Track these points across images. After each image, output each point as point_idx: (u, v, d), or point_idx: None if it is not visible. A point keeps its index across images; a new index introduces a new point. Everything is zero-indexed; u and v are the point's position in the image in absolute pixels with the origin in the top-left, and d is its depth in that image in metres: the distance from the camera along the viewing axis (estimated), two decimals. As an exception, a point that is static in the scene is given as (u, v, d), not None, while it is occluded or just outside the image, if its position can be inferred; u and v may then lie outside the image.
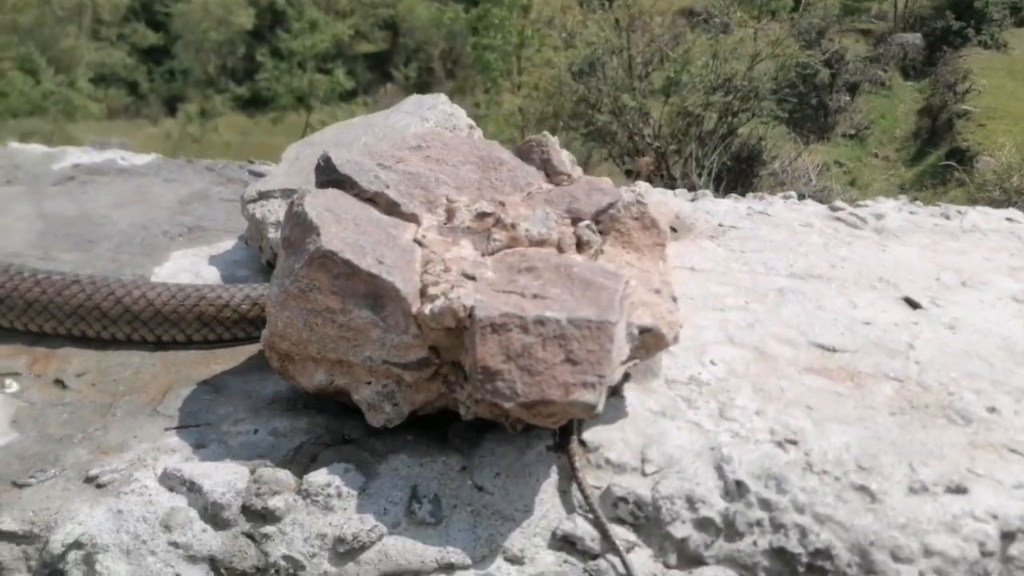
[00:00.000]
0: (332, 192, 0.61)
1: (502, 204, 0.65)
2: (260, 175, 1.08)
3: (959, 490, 0.63)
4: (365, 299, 0.57)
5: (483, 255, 0.62)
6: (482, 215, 0.64)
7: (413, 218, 0.63)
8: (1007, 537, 0.61)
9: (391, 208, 0.63)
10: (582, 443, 0.64)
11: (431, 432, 0.64)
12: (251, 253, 0.86)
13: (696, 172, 9.79)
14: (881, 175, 12.43)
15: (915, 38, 14.15)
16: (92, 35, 18.29)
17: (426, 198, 0.64)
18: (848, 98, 13.33)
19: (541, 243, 0.63)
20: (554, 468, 0.62)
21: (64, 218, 0.92)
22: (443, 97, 0.87)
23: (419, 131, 0.79)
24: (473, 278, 0.59)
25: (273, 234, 0.78)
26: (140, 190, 1.00)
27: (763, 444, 0.66)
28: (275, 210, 0.79)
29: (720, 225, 1.06)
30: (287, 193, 0.80)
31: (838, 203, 1.18)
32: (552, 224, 0.64)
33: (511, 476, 0.61)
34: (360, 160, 0.64)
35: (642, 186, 1.18)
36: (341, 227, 0.58)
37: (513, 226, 0.63)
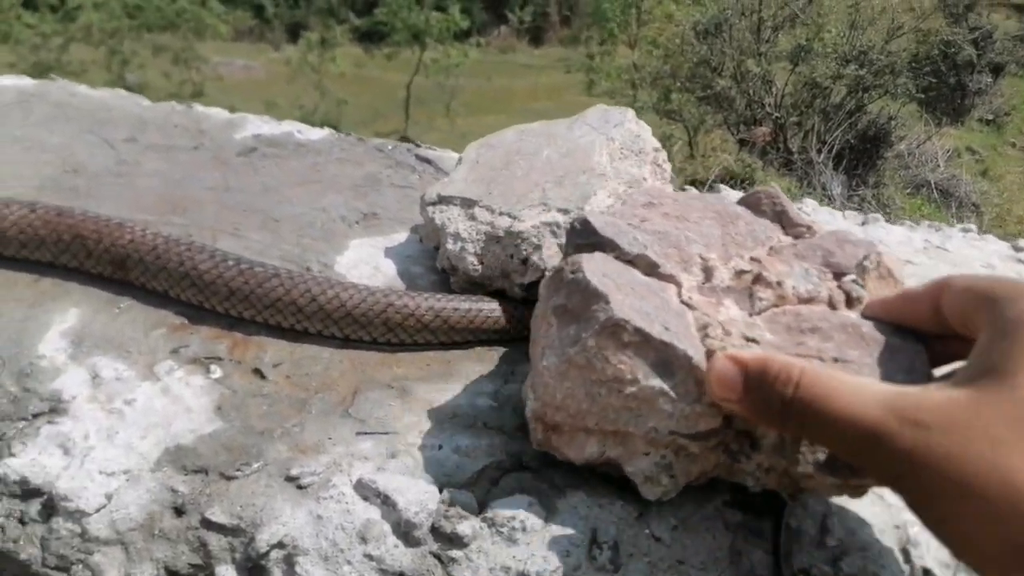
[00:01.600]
0: (601, 257, 0.60)
1: (757, 260, 0.63)
2: (427, 160, 1.09)
3: None
4: (654, 368, 0.55)
5: (750, 315, 0.60)
6: (740, 272, 0.62)
7: (672, 279, 0.61)
8: None
9: (650, 270, 0.61)
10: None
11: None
12: (423, 249, 0.88)
13: (816, 148, 9.34)
14: (1016, 167, 11.52)
15: (1079, 19, 12.87)
16: (225, -43, 18.82)
17: (680, 257, 0.62)
18: (990, 79, 12.30)
19: (809, 300, 0.61)
20: (727, 525, 0.62)
21: (249, 192, 0.95)
22: (630, 114, 0.85)
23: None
24: (756, 341, 0.57)
25: (452, 245, 0.79)
26: (316, 168, 1.03)
27: (948, 526, 0.63)
28: (455, 218, 0.80)
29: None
30: (467, 202, 0.80)
31: (1021, 242, 1.10)
32: (816, 280, 0.61)
33: (687, 530, 0.61)
34: (618, 222, 0.63)
35: (809, 204, 1.13)
36: (623, 294, 0.56)
37: (779, 284, 0.60)
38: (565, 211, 0.75)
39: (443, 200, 0.83)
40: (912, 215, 8.59)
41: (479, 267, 0.77)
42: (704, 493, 0.63)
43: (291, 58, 17.36)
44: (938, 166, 9.89)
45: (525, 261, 0.75)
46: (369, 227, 0.92)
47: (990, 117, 12.33)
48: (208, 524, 0.58)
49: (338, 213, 0.93)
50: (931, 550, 0.61)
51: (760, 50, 9.19)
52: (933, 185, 9.39)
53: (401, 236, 0.91)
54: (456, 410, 0.69)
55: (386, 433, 0.66)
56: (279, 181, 0.99)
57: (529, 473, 0.64)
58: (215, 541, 0.58)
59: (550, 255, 0.74)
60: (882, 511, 0.64)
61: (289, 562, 0.58)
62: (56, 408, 0.64)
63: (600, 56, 16.15)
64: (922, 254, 1.03)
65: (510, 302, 0.77)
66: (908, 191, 9.37)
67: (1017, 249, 1.09)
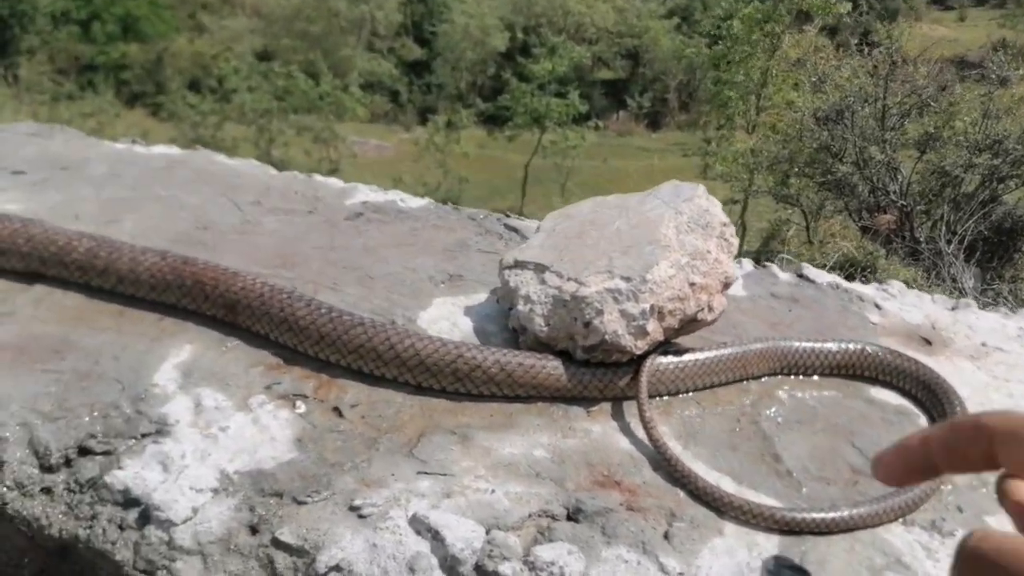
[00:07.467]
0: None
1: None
2: (514, 229, 1.17)
3: None
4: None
5: None
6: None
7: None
8: None
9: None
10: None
11: (655, 528, 0.66)
12: (500, 309, 0.94)
13: (945, 238, 8.89)
14: None
15: None
16: (367, 46, 20.50)
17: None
18: None
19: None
20: (772, 592, 0.62)
21: (351, 252, 1.05)
22: (701, 190, 0.89)
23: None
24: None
25: (522, 307, 0.84)
26: (413, 232, 1.12)
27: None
28: (527, 282, 0.85)
29: (983, 345, 0.98)
30: (539, 267, 0.86)
31: None
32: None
33: (731, 591, 0.62)
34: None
35: (896, 285, 1.12)
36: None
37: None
38: (627, 279, 0.79)
39: (518, 264, 0.88)
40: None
41: (545, 328, 0.82)
42: (747, 552, 0.64)
43: (419, 139, 18.44)
44: (1088, 262, 9.15)
45: (588, 324, 0.79)
46: (453, 287, 0.99)
47: None
48: (277, 543, 0.64)
49: (426, 273, 1.01)
50: None
51: (884, 137, 8.95)
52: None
53: (481, 297, 0.97)
54: (512, 459, 0.73)
55: (444, 474, 0.70)
56: (378, 243, 1.08)
57: (576, 524, 0.67)
58: (281, 560, 0.64)
59: (611, 319, 0.78)
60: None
61: (344, 584, 0.62)
62: (162, 430, 0.73)
63: (718, 140, 16.18)
64: (1015, 341, 0.99)
65: (572, 362, 0.81)
66: (1051, 287, 8.70)
67: None
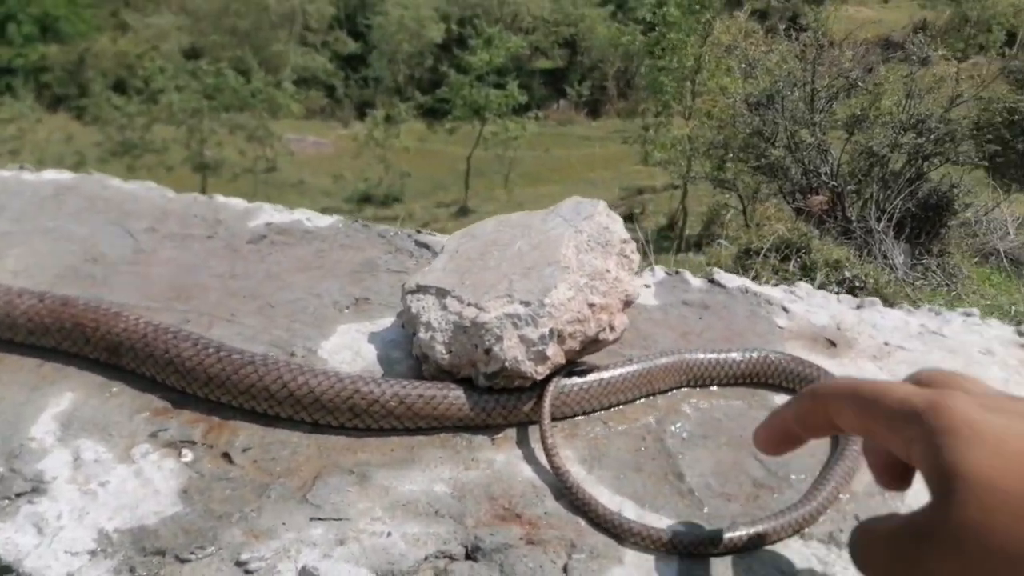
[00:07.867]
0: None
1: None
2: (425, 246, 1.14)
3: None
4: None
5: None
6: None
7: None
8: None
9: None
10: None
11: (554, 562, 0.65)
12: (405, 335, 0.91)
13: (875, 216, 9.17)
14: (1096, 234, 11.00)
15: None
16: (300, 41, 20.08)
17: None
18: (1063, 145, 11.92)
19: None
20: (671, 622, 0.61)
21: (252, 279, 1.01)
22: (602, 206, 0.88)
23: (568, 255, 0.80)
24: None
25: (423, 334, 0.82)
26: (319, 254, 1.08)
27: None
28: (429, 307, 0.83)
29: (886, 344, 1.00)
30: (441, 292, 0.84)
31: (1027, 328, 1.07)
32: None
33: (626, 625, 0.61)
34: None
35: (803, 287, 1.13)
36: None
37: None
38: (526, 303, 0.78)
39: (420, 289, 0.86)
40: (981, 284, 8.26)
41: (447, 356, 0.80)
42: (645, 589, 0.63)
43: (358, 134, 18.18)
44: (1008, 234, 9.57)
45: (488, 351, 0.78)
46: (359, 312, 0.96)
47: (1065, 183, 11.90)
48: (159, 606, 0.61)
49: (331, 299, 0.98)
50: None
51: (814, 120, 9.17)
52: (1002, 253, 9.07)
53: (387, 321, 0.95)
54: (411, 496, 0.71)
55: (339, 519, 0.68)
56: (282, 267, 1.05)
57: (475, 563, 0.65)
58: (163, 623, 0.61)
59: (511, 346, 0.77)
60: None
61: (229, 647, 0.60)
62: (37, 488, 0.69)
63: (655, 127, 16.39)
64: (916, 339, 1.01)
65: (475, 390, 0.79)
66: (976, 260, 9.07)
67: (1021, 334, 1.06)
